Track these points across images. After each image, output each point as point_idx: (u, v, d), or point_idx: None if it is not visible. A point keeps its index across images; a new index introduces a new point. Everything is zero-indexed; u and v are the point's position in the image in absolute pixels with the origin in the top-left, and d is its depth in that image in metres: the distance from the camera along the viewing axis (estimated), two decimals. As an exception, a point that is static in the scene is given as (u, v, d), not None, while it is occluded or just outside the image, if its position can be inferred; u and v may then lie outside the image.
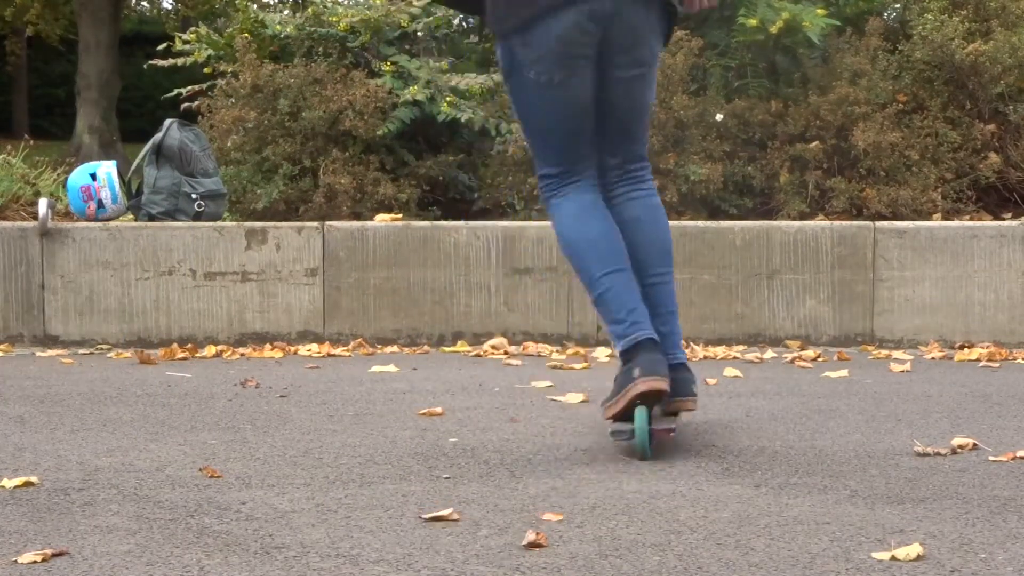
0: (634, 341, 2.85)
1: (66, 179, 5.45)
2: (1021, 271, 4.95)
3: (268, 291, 4.98)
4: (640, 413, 2.81)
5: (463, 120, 5.77)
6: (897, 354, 4.72)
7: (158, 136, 5.24)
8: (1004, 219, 5.39)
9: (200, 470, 2.76)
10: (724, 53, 5.83)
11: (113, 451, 2.99)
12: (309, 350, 4.81)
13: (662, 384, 2.79)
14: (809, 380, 4.10)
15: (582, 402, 3.65)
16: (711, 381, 4.04)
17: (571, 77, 2.91)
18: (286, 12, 6.75)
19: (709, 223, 5.07)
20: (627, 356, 2.86)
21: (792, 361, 4.53)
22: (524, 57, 2.90)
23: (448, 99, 5.74)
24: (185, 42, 6.40)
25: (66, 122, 18.80)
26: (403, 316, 4.98)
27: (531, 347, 4.84)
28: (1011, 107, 5.78)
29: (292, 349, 4.84)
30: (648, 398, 2.80)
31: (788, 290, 4.97)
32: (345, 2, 6.62)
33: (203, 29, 6.45)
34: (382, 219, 5.17)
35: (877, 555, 2.11)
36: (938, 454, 2.92)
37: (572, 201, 2.98)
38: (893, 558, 2.09)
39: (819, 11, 5.74)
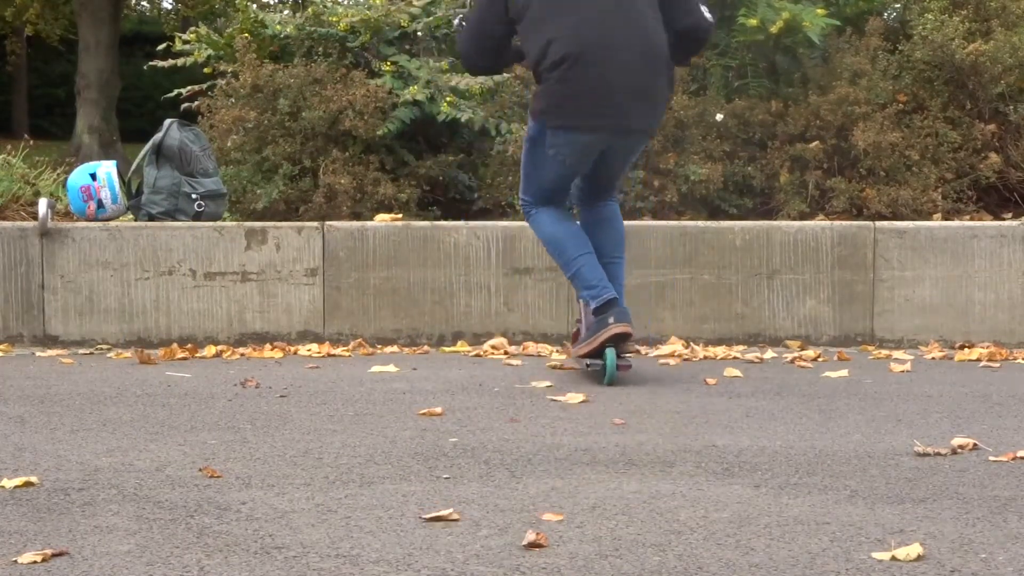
0: (605, 299, 3.91)
1: (66, 179, 5.44)
2: (1021, 271, 4.95)
3: (268, 291, 4.98)
4: (609, 352, 3.88)
5: (463, 120, 5.77)
6: (897, 354, 4.72)
7: (158, 136, 5.23)
8: (1004, 219, 5.39)
9: (200, 470, 2.76)
10: (724, 53, 5.83)
11: (113, 451, 2.99)
12: (309, 350, 4.81)
13: (630, 328, 3.87)
14: (809, 380, 4.10)
15: (582, 402, 3.65)
16: (711, 381, 4.04)
17: (579, 163, 3.99)
18: (286, 12, 6.75)
19: (709, 223, 5.07)
20: (601, 310, 3.88)
21: (792, 361, 4.53)
22: (551, 141, 3.92)
23: (448, 99, 5.74)
24: (185, 42, 6.39)
25: (66, 122, 18.80)
26: (403, 316, 4.98)
27: (531, 347, 4.84)
28: (1011, 107, 5.78)
29: (292, 349, 4.84)
30: (619, 339, 3.87)
31: (788, 290, 4.97)
32: (345, 2, 6.62)
33: (203, 29, 6.44)
34: (382, 219, 5.17)
35: (877, 555, 2.11)
36: (938, 454, 2.92)
37: (548, 212, 4.08)
38: (893, 558, 2.09)
39: (819, 11, 5.74)
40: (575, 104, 3.87)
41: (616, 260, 4.12)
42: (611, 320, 3.85)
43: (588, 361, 3.99)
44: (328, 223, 5.04)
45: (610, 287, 3.96)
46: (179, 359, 4.63)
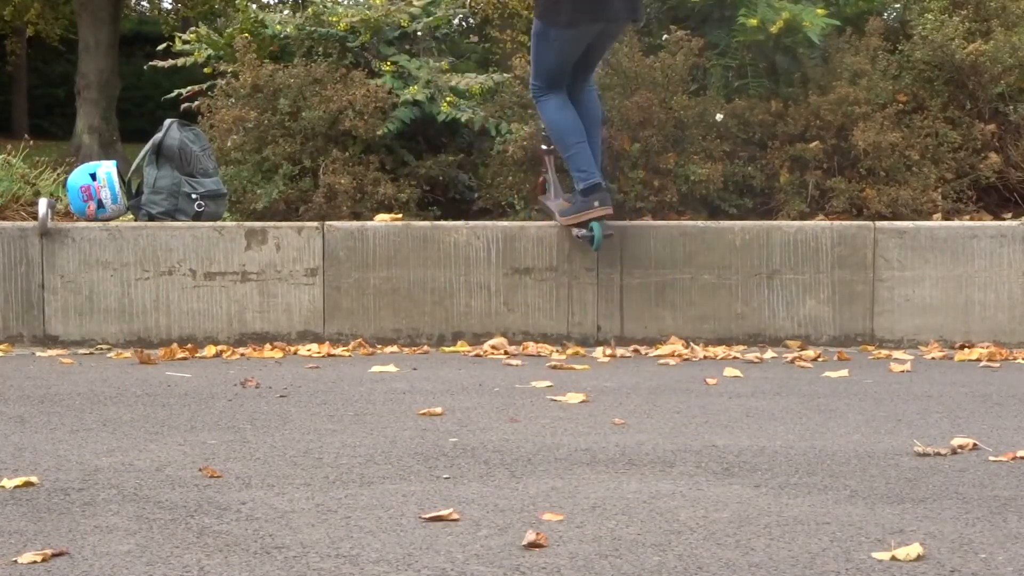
0: (593, 183, 4.75)
1: (66, 179, 5.44)
2: (1021, 271, 4.95)
3: (268, 291, 4.98)
4: (596, 225, 4.75)
5: (463, 120, 5.77)
6: (897, 354, 4.72)
7: (158, 136, 5.23)
8: (1004, 219, 5.39)
9: (200, 470, 2.76)
10: (724, 53, 5.83)
11: (113, 451, 2.99)
12: (309, 350, 4.81)
13: (611, 211, 4.77)
14: (809, 380, 4.10)
15: (582, 402, 3.65)
16: (711, 381, 4.04)
17: (574, 51, 4.82)
18: (286, 12, 6.74)
19: (709, 223, 5.07)
20: (587, 192, 4.74)
21: (792, 361, 4.53)
22: (554, 36, 4.77)
23: (448, 99, 5.74)
24: (185, 42, 6.39)
25: (66, 122, 18.79)
26: (403, 316, 4.98)
27: (531, 347, 4.84)
28: (1011, 107, 5.78)
29: (292, 349, 4.84)
30: (600, 219, 4.75)
31: (788, 290, 4.97)
32: (345, 2, 6.61)
33: (203, 29, 6.44)
34: (382, 219, 5.17)
35: (877, 555, 2.11)
36: (938, 454, 2.92)
37: (554, 98, 4.87)
38: (893, 558, 2.09)
39: (819, 11, 5.74)
40: (570, 3, 4.67)
41: (595, 138, 4.93)
42: (596, 203, 4.71)
43: (578, 231, 4.83)
44: (328, 223, 5.04)
45: (597, 173, 4.77)
46: (179, 359, 4.63)
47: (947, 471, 2.75)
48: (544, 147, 5.14)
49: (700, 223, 5.08)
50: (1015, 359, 4.62)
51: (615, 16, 4.79)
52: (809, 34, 5.65)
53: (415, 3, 6.13)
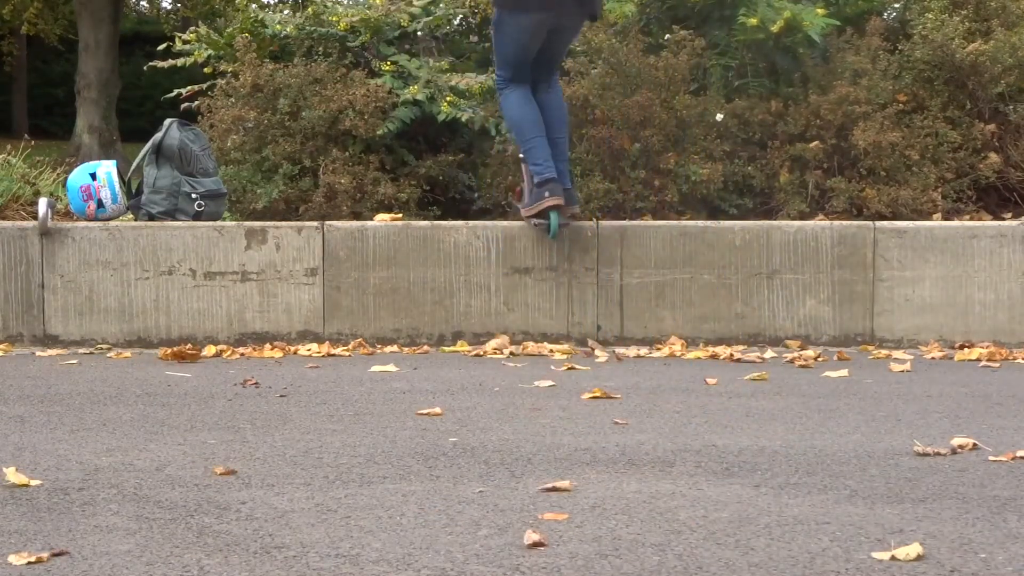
0: (548, 176, 4.88)
1: (66, 179, 5.44)
2: (1021, 271, 4.95)
3: (268, 291, 4.98)
4: (553, 214, 4.91)
5: (463, 120, 5.77)
6: (897, 354, 4.72)
7: (158, 136, 5.23)
8: (1004, 219, 5.39)
9: (216, 471, 2.76)
10: (724, 52, 5.83)
11: (113, 451, 2.99)
12: (309, 350, 4.81)
13: (562, 201, 4.88)
14: (809, 380, 4.10)
15: (582, 402, 3.65)
16: (711, 381, 4.04)
17: (532, 39, 4.89)
18: (286, 12, 6.74)
19: (709, 223, 5.07)
20: (542, 184, 4.88)
21: (792, 361, 4.53)
22: (507, 20, 4.88)
23: (448, 99, 5.74)
24: (185, 42, 6.39)
25: (66, 122, 18.78)
26: (403, 316, 4.98)
27: (531, 347, 4.84)
28: (1011, 107, 5.78)
29: (292, 349, 4.84)
30: (554, 208, 4.89)
31: (788, 290, 4.97)
32: (345, 2, 6.62)
33: (203, 29, 6.44)
34: (382, 219, 5.17)
35: (877, 555, 2.11)
36: (938, 454, 2.92)
37: (516, 92, 4.97)
38: (893, 558, 2.09)
39: (819, 11, 5.74)
40: None
41: (560, 138, 5.03)
42: (547, 194, 4.88)
43: (535, 220, 4.98)
44: (328, 223, 5.04)
45: (552, 167, 4.93)
46: (179, 359, 4.63)
47: (947, 471, 2.75)
48: (522, 155, 5.11)
49: (700, 223, 5.08)
50: (1015, 359, 4.62)
51: (567, 9, 4.85)
52: (809, 34, 5.65)
53: (415, 3, 6.13)
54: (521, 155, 5.07)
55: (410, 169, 5.77)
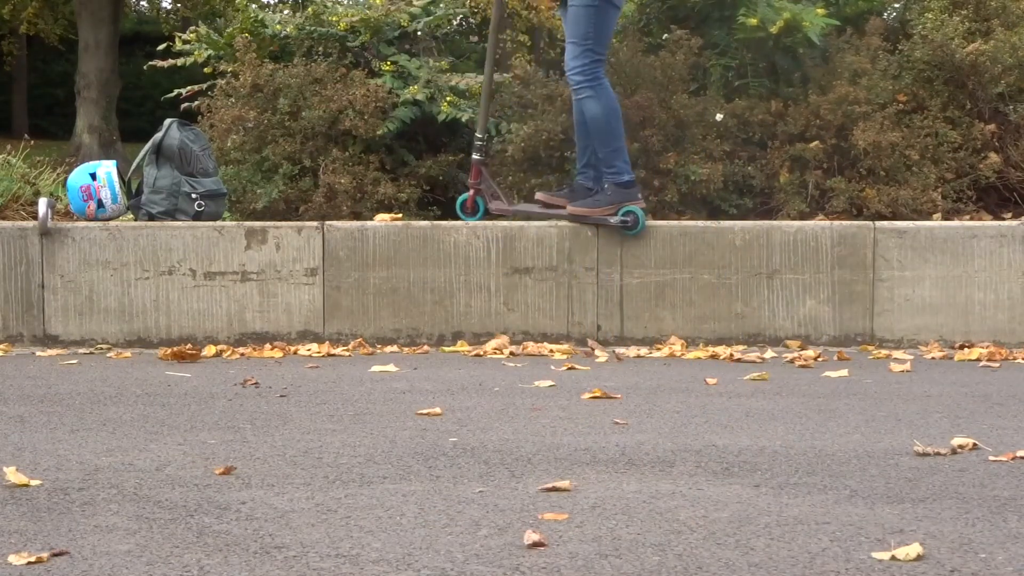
0: (633, 177, 4.97)
1: (66, 179, 5.44)
2: (1021, 271, 4.95)
3: (268, 291, 4.98)
4: (642, 211, 4.95)
5: (463, 120, 5.77)
6: (897, 354, 4.72)
7: (158, 136, 5.23)
8: (1004, 219, 5.39)
9: (217, 471, 2.76)
10: (724, 52, 5.83)
11: (113, 451, 2.99)
12: (309, 350, 4.81)
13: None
14: (809, 380, 4.10)
15: (582, 402, 3.65)
16: (711, 381, 4.04)
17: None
18: (286, 12, 6.74)
19: (709, 223, 5.07)
20: (631, 184, 4.94)
21: (792, 361, 4.54)
22: (610, 10, 4.79)
23: (448, 99, 5.74)
24: (185, 42, 6.39)
25: (66, 122, 18.79)
26: (403, 316, 4.98)
27: (531, 347, 4.84)
28: (1011, 107, 5.78)
29: (292, 349, 4.84)
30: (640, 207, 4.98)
31: (788, 290, 4.97)
32: (345, 2, 6.61)
33: (203, 29, 6.44)
34: (382, 219, 5.17)
35: (877, 555, 2.11)
36: (938, 454, 2.92)
37: (607, 81, 4.90)
38: (893, 558, 2.09)
39: (819, 11, 5.74)
40: None
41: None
42: (639, 195, 4.98)
43: (616, 219, 4.92)
44: (328, 223, 5.04)
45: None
46: (179, 359, 4.63)
47: (947, 471, 2.75)
48: (476, 157, 5.13)
49: (700, 223, 5.08)
50: (1015, 359, 4.62)
51: None
52: (809, 34, 5.65)
53: (415, 3, 6.13)
54: (476, 158, 5.09)
55: (410, 169, 5.77)
